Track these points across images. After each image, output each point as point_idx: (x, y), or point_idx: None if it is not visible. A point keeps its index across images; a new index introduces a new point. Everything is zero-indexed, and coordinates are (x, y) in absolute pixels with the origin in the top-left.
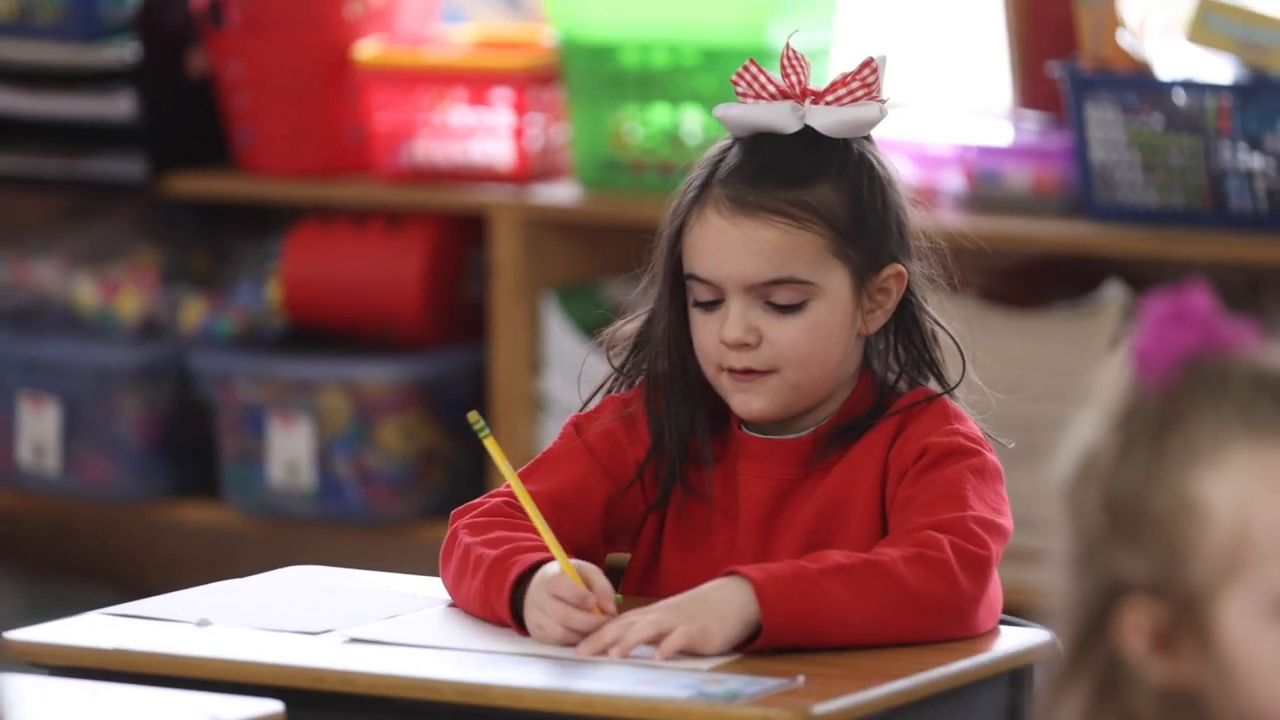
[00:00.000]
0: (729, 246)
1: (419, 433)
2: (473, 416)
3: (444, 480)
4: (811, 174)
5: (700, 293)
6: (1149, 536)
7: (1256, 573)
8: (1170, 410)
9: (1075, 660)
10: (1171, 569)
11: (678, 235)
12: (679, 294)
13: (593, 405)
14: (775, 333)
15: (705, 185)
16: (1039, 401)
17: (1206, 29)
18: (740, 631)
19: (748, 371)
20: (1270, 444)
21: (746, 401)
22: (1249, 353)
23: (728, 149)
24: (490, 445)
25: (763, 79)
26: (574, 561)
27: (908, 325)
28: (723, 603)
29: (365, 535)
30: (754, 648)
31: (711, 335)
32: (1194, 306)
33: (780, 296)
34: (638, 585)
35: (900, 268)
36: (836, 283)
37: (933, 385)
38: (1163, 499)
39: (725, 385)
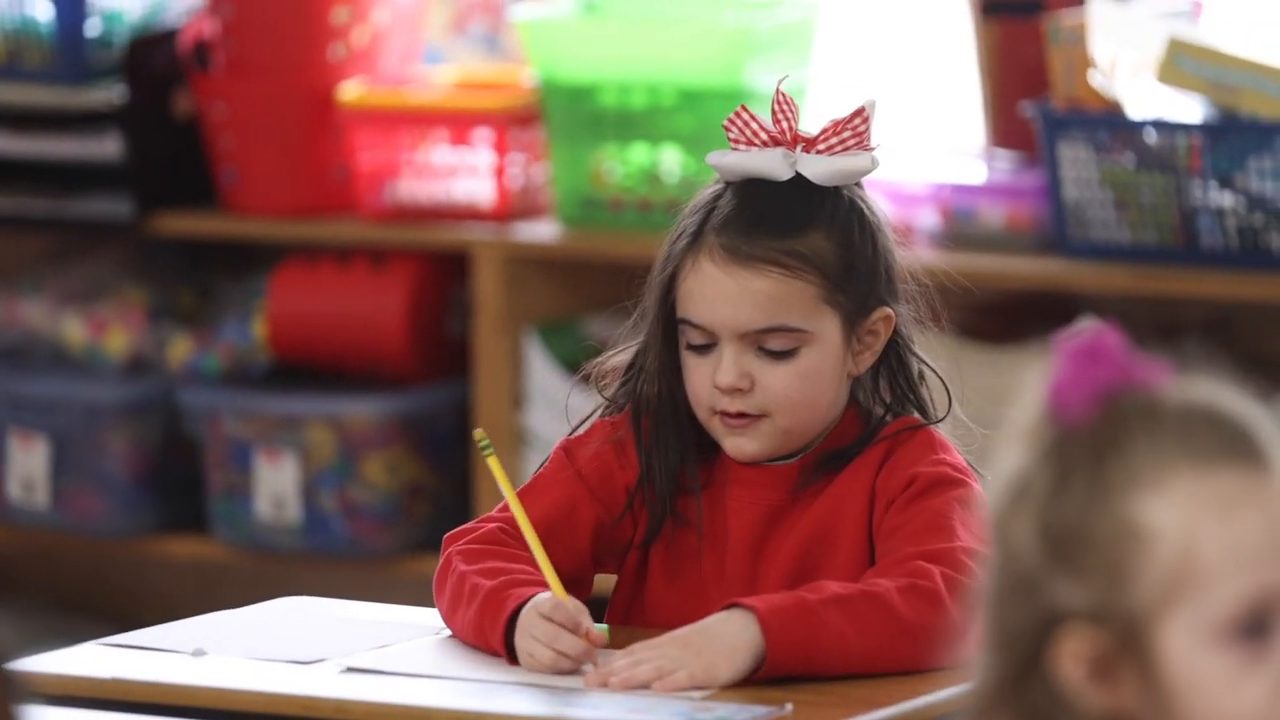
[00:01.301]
0: (723, 295)
1: (403, 467)
2: (478, 434)
3: (428, 514)
4: (804, 223)
5: (693, 337)
6: (1090, 563)
7: (1199, 596)
8: (1107, 438)
9: (1005, 693)
10: (1113, 594)
11: (671, 280)
12: (671, 336)
13: (583, 430)
14: (767, 378)
15: (699, 232)
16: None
17: (1177, 70)
18: (749, 665)
19: (740, 415)
20: (1208, 468)
21: (739, 445)
22: (1174, 385)
23: (720, 195)
24: (493, 464)
25: (754, 125)
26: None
27: (893, 365)
28: (731, 637)
29: (351, 568)
30: (755, 679)
31: (704, 379)
32: (1106, 344)
33: (773, 343)
34: (623, 612)
35: (889, 310)
36: (828, 329)
37: (918, 417)
38: (1104, 525)
39: (717, 428)
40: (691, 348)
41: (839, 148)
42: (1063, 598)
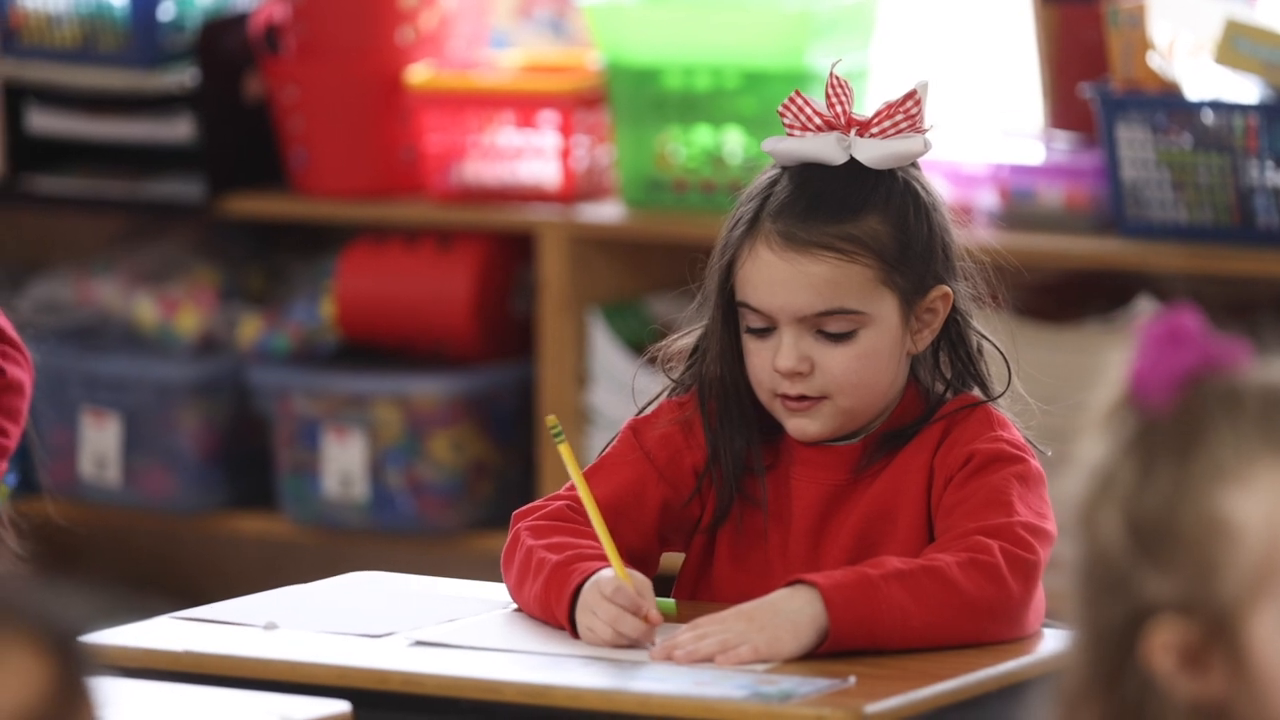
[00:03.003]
0: (780, 281)
1: (469, 445)
2: (551, 420)
3: (493, 491)
4: (859, 206)
5: (753, 321)
6: (1178, 556)
7: None
8: (1189, 429)
9: (1095, 686)
10: (1202, 587)
11: (730, 266)
12: (731, 320)
13: (651, 409)
14: (827, 361)
15: (755, 218)
16: (1072, 413)
17: (1234, 51)
18: (812, 640)
19: (801, 398)
20: None
21: (801, 426)
22: (1254, 370)
23: (775, 181)
24: (564, 451)
25: (809, 110)
26: (628, 571)
27: (954, 341)
28: (795, 612)
29: (416, 545)
30: (817, 653)
31: (765, 362)
32: (1186, 327)
33: (831, 326)
34: (691, 588)
35: (946, 289)
36: (886, 310)
37: (977, 394)
38: (1191, 518)
39: (779, 410)
40: (751, 331)
41: (892, 130)
42: (1151, 590)
